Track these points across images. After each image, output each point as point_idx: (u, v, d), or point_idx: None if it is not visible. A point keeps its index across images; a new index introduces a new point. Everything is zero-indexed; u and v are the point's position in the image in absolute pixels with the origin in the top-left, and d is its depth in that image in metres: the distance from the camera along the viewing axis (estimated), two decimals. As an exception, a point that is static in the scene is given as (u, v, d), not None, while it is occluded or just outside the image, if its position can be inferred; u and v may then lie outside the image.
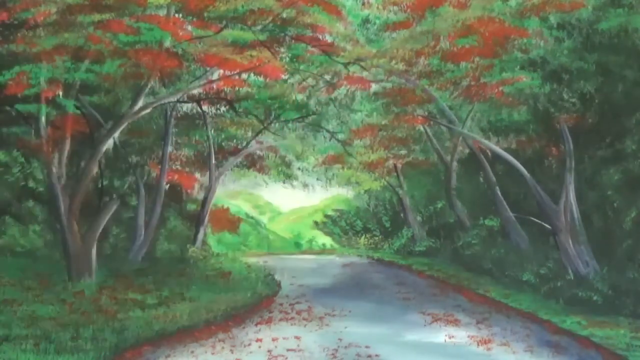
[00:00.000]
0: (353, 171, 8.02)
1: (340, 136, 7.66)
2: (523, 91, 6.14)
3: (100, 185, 6.47)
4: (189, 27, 5.67)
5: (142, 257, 7.82)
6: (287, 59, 6.15)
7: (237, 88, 6.47)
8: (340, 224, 9.49)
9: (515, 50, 5.95)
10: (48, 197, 5.82)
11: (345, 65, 6.22)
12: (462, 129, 6.94)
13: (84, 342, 4.71)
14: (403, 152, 8.05)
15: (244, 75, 6.11)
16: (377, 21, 6.42)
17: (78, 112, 5.66)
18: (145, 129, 7.63)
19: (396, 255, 8.90)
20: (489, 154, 6.99)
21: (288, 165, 8.09)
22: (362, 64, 6.21)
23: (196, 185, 7.96)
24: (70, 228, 5.91)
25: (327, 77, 6.59)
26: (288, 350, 4.80)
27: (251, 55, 5.72)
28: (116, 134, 5.80)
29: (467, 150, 7.68)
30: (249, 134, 7.58)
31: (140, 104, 5.83)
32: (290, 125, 7.46)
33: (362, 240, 9.23)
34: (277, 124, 7.38)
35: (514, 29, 5.76)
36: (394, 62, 6.20)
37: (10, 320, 5.10)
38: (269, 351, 4.76)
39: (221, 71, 6.09)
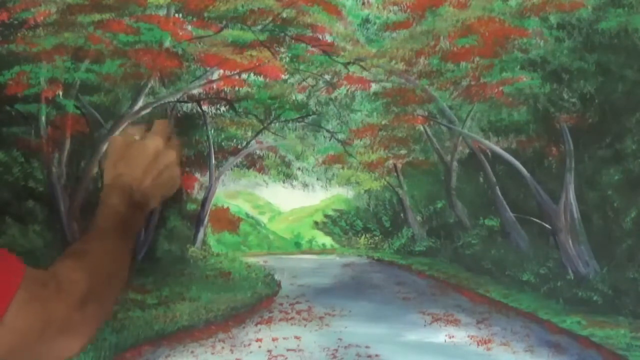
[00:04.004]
0: (353, 171, 8.01)
1: (340, 136, 7.65)
2: (523, 91, 6.14)
3: (100, 185, 6.47)
4: (189, 27, 5.67)
5: (142, 257, 7.82)
6: (287, 59, 6.14)
7: (237, 88, 6.46)
8: (340, 224, 9.48)
9: (515, 50, 5.94)
10: (48, 197, 5.81)
11: (345, 65, 6.21)
12: (462, 129, 6.95)
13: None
14: (403, 152, 8.03)
15: (244, 75, 6.10)
16: (377, 21, 6.41)
17: (78, 112, 5.65)
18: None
19: (396, 255, 8.90)
20: (489, 154, 6.99)
21: (288, 165, 8.08)
22: (362, 64, 6.20)
23: (196, 185, 7.96)
24: (70, 228, 5.91)
25: (327, 77, 6.58)
26: (288, 350, 4.80)
27: (251, 55, 5.72)
28: (116, 134, 5.79)
29: (467, 150, 7.67)
30: (249, 134, 7.56)
31: (140, 104, 5.83)
32: (290, 125, 7.45)
33: (362, 240, 9.22)
34: (277, 124, 7.37)
35: (514, 29, 5.76)
36: (394, 62, 6.19)
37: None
38: (269, 351, 4.76)
39: (221, 71, 6.09)
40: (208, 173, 7.78)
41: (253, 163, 8.13)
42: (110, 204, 0.85)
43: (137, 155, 0.89)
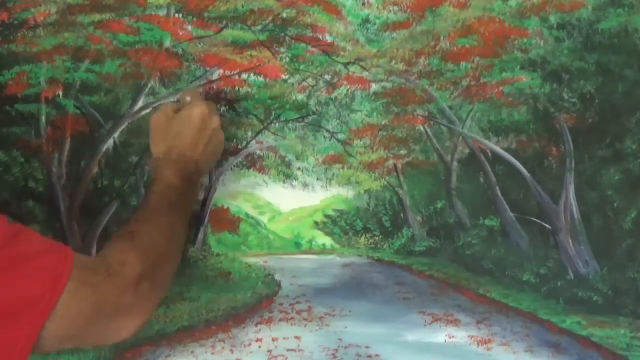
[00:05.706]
0: (353, 171, 8.01)
1: (340, 136, 7.66)
2: (523, 91, 6.14)
3: (100, 185, 6.47)
4: (189, 27, 5.67)
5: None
6: (287, 59, 6.14)
7: (237, 88, 6.46)
8: (340, 224, 9.48)
9: (515, 50, 5.94)
10: (48, 197, 5.82)
11: (345, 65, 6.22)
12: (462, 129, 6.95)
13: (84, 342, 4.70)
14: (403, 152, 8.03)
15: (244, 75, 6.10)
16: (377, 21, 6.41)
17: (78, 112, 5.66)
18: (145, 129, 7.61)
19: (396, 255, 8.89)
20: (489, 154, 6.99)
21: (288, 165, 8.08)
22: (362, 64, 6.21)
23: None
24: (70, 228, 5.90)
25: (327, 77, 6.58)
26: (288, 350, 4.79)
27: (251, 55, 5.72)
28: (116, 134, 5.81)
29: (467, 150, 7.68)
30: (249, 134, 7.57)
31: (140, 104, 5.83)
32: (290, 125, 7.45)
33: (362, 240, 9.23)
34: (277, 124, 7.38)
35: (514, 29, 5.76)
36: (394, 62, 6.19)
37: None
38: (269, 351, 4.76)
39: (221, 71, 6.09)
40: (208, 173, 7.78)
41: (253, 163, 8.13)
42: (164, 179, 0.84)
43: (184, 125, 0.88)
